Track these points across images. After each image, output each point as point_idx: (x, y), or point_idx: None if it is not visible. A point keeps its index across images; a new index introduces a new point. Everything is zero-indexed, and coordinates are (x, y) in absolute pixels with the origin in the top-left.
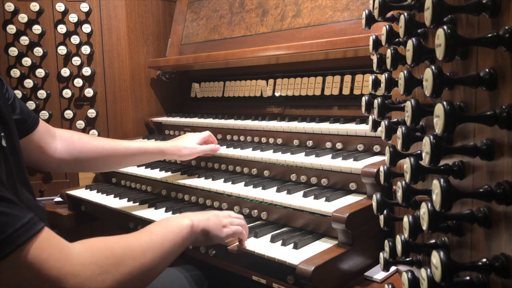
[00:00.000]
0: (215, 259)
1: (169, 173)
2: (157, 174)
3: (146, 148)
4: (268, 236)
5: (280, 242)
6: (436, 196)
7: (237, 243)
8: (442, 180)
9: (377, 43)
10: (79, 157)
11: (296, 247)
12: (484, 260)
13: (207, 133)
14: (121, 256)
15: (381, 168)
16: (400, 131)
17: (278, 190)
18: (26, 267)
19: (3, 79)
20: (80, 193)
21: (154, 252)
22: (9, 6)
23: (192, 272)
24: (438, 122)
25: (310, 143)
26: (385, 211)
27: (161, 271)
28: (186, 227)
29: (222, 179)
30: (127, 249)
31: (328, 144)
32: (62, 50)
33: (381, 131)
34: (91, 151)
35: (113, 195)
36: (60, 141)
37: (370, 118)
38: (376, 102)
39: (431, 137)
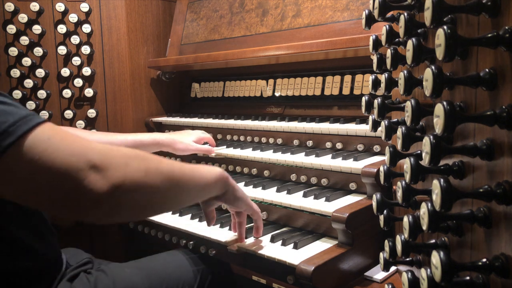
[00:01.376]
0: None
1: None
2: None
3: (141, 140)
4: (268, 236)
5: (280, 242)
6: (436, 196)
7: (237, 243)
8: (442, 180)
9: (377, 43)
10: None
11: (296, 247)
12: (484, 260)
13: (206, 134)
14: (146, 155)
15: (381, 168)
16: (400, 131)
17: (278, 190)
18: (34, 157)
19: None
20: None
21: (182, 173)
22: (9, 6)
23: (189, 255)
24: (438, 122)
25: (310, 143)
26: (385, 211)
27: (182, 202)
28: (219, 171)
29: None
30: (144, 156)
31: (328, 144)
32: (62, 50)
33: (381, 131)
34: None
35: None
36: None
37: (370, 118)
38: (376, 102)
39: (431, 137)
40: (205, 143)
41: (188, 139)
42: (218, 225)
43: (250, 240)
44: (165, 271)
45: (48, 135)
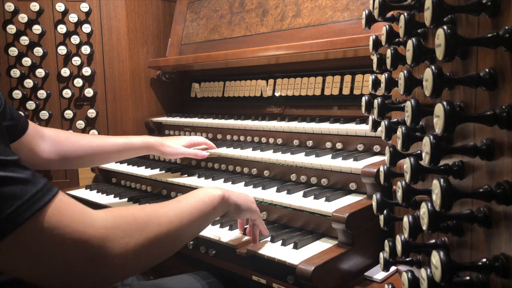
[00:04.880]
0: (215, 259)
1: (169, 173)
2: (157, 174)
3: (131, 144)
4: (268, 236)
5: (280, 242)
6: (436, 196)
7: (246, 245)
8: (442, 180)
9: (377, 43)
10: (66, 156)
11: (296, 247)
12: (484, 260)
13: (199, 139)
14: (145, 222)
15: (381, 168)
16: (400, 131)
17: (278, 190)
18: (48, 232)
19: None
20: (80, 193)
21: (181, 219)
22: (9, 6)
23: (208, 279)
24: (438, 122)
25: (310, 143)
26: (385, 211)
27: (190, 239)
28: (217, 196)
29: (222, 179)
30: (152, 216)
31: (328, 144)
32: (62, 50)
33: (381, 131)
34: (78, 150)
35: (113, 195)
36: (48, 141)
37: (370, 118)
38: (376, 102)
39: (431, 137)
40: (205, 149)
41: (177, 143)
42: (218, 225)
43: (250, 240)
44: None
45: (55, 217)
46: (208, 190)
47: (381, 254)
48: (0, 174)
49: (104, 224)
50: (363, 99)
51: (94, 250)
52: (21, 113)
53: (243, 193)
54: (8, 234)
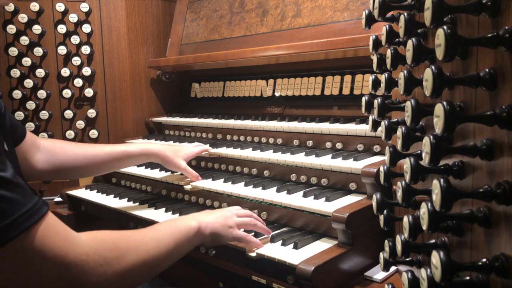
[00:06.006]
0: (215, 259)
1: (169, 173)
2: (157, 174)
3: (128, 152)
4: (268, 236)
5: (280, 242)
6: (436, 196)
7: (255, 248)
8: (442, 180)
9: (377, 43)
10: (60, 167)
11: (296, 247)
12: (484, 260)
13: (199, 147)
14: (124, 250)
15: (381, 168)
16: (400, 131)
17: (278, 190)
18: (30, 253)
19: None
20: (80, 193)
21: (158, 249)
22: (9, 6)
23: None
24: (438, 122)
25: (310, 143)
26: (385, 211)
27: (165, 267)
28: (193, 228)
29: (222, 179)
30: (132, 244)
31: (328, 144)
32: (62, 50)
33: (381, 131)
34: (72, 160)
35: (113, 195)
36: (44, 151)
37: (370, 118)
38: (376, 102)
39: (431, 137)
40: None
41: (178, 158)
42: None
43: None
44: None
45: (39, 241)
46: (185, 220)
47: (381, 254)
48: None
49: (86, 250)
50: (363, 99)
51: (74, 275)
52: (22, 113)
53: (222, 215)
54: None
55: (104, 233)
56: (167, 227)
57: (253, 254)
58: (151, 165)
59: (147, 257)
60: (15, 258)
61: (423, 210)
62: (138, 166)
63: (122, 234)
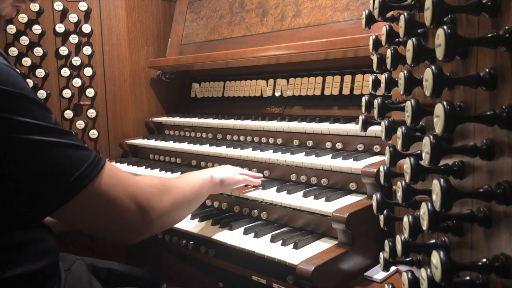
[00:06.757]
0: (215, 259)
1: (169, 173)
2: (157, 175)
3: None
4: (268, 236)
5: (280, 242)
6: (436, 196)
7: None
8: (442, 180)
9: (377, 43)
10: None
11: (296, 247)
12: (484, 260)
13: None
14: (169, 186)
15: (381, 168)
16: (400, 131)
17: (278, 190)
18: (105, 190)
19: None
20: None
21: (190, 189)
22: None
23: None
24: (438, 122)
25: (310, 143)
26: (385, 211)
27: (195, 207)
28: (208, 178)
29: None
30: (172, 183)
31: (328, 144)
32: (62, 50)
33: (381, 131)
34: None
35: (144, 167)
36: None
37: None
38: (376, 102)
39: (431, 137)
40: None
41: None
42: (218, 225)
43: (249, 240)
44: None
45: (109, 179)
46: (201, 173)
47: (381, 254)
48: (69, 142)
49: (144, 184)
50: (363, 99)
51: (142, 201)
52: None
53: (227, 168)
54: (74, 197)
55: (151, 176)
56: (190, 177)
57: (250, 194)
58: (151, 165)
59: (185, 192)
60: (93, 199)
61: (423, 210)
62: (138, 166)
63: (161, 177)
